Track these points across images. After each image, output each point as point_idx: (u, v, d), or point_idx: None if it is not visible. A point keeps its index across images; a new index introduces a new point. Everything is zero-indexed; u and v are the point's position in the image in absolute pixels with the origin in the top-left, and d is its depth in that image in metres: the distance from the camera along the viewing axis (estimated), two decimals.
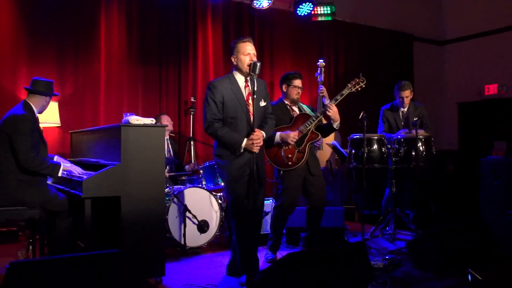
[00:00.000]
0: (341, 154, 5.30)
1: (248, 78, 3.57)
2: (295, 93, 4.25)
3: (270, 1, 6.23)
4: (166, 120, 5.44)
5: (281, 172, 4.09)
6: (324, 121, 4.28)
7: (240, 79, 3.59)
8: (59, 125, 5.10)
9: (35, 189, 3.59)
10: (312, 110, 4.38)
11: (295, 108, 4.30)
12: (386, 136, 4.94)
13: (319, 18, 6.73)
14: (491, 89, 8.51)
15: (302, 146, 4.06)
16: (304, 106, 4.40)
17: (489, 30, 8.42)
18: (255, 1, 6.20)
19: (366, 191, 4.59)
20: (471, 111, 8.81)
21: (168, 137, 5.47)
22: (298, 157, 4.06)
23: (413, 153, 4.70)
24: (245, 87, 3.58)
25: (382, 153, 4.77)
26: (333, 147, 5.51)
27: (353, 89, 4.13)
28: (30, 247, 4.13)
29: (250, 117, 3.50)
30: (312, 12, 6.59)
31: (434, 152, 4.84)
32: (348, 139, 5.00)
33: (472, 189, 6.41)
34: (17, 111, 3.59)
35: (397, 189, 4.75)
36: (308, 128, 4.06)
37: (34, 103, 3.69)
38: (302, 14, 6.56)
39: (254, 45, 6.89)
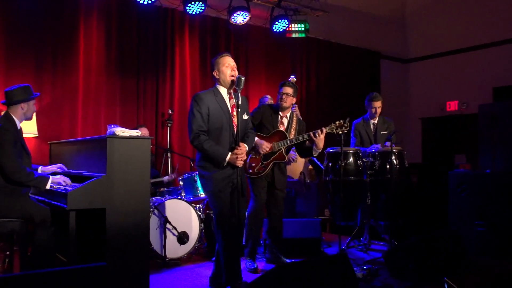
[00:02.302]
0: (317, 167, 5.45)
1: (231, 91, 3.66)
2: (281, 99, 4.39)
3: (246, 18, 6.38)
4: (145, 132, 5.44)
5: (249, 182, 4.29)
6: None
7: (223, 92, 3.66)
8: (37, 135, 5.02)
9: (16, 199, 3.53)
10: (303, 127, 4.51)
11: (285, 120, 4.44)
12: (361, 150, 5.13)
13: (294, 35, 6.95)
14: (452, 106, 8.94)
15: (267, 161, 4.21)
16: (295, 119, 4.50)
17: (450, 50, 8.88)
18: (232, 17, 6.34)
19: (342, 203, 4.75)
20: (434, 126, 9.21)
21: None
22: (259, 170, 4.25)
23: (387, 166, 4.89)
24: (229, 99, 3.66)
25: (357, 166, 4.95)
26: (310, 160, 5.66)
27: (334, 131, 4.21)
28: (7, 260, 4.04)
29: (234, 129, 3.58)
30: (287, 29, 6.79)
31: (407, 165, 5.06)
32: (325, 152, 5.15)
33: (437, 200, 6.71)
34: None
35: (371, 200, 4.93)
36: (279, 148, 4.22)
37: (13, 113, 3.66)
38: (278, 31, 6.76)
39: None
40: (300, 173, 5.98)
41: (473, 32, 8.49)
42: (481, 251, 4.73)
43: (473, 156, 7.35)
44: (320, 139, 4.11)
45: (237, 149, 3.50)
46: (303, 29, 6.93)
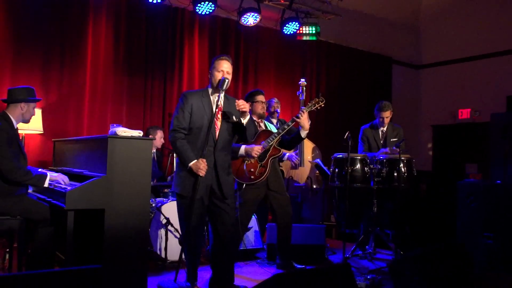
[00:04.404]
0: (324, 172, 5.37)
1: (221, 95, 3.63)
2: (259, 108, 4.50)
3: (256, 19, 6.32)
4: (160, 134, 5.41)
5: (244, 186, 4.26)
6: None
7: (212, 94, 3.66)
8: (42, 132, 5.00)
9: (14, 198, 3.50)
10: (282, 124, 4.56)
11: (262, 124, 4.53)
12: (368, 155, 5.03)
13: (304, 38, 6.89)
14: (465, 114, 8.80)
15: (265, 161, 4.25)
16: (269, 124, 4.66)
17: (464, 57, 8.74)
18: (242, 18, 6.28)
19: (347, 209, 4.66)
20: (445, 134, 9.06)
21: (155, 150, 5.42)
22: (260, 171, 4.24)
23: (395, 174, 4.79)
24: (216, 102, 3.63)
25: (364, 173, 4.85)
26: (316, 165, 5.57)
27: (313, 108, 4.27)
28: (7, 257, 4.03)
29: (216, 131, 3.57)
30: (298, 31, 6.72)
31: (415, 174, 4.95)
32: (331, 158, 5.06)
33: (446, 210, 6.57)
34: None
35: (378, 208, 4.82)
36: (270, 144, 4.26)
37: (12, 112, 3.62)
38: (288, 33, 6.69)
39: (239, 61, 7.00)
40: (307, 178, 5.91)
41: (488, 39, 8.34)
42: (489, 264, 4.60)
43: (485, 166, 7.20)
44: (304, 118, 4.13)
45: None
46: (314, 32, 6.86)
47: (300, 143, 4.86)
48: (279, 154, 4.36)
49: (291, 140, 4.42)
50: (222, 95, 3.56)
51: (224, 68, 3.60)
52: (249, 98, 4.52)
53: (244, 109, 3.56)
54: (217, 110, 3.58)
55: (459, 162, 8.41)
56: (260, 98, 4.51)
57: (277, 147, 4.33)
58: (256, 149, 4.12)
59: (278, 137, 4.27)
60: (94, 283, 2.54)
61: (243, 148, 4.17)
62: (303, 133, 4.21)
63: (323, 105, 4.30)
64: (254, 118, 4.46)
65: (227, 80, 3.53)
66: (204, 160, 3.44)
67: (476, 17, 8.52)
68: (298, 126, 4.22)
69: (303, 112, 4.13)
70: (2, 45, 5.08)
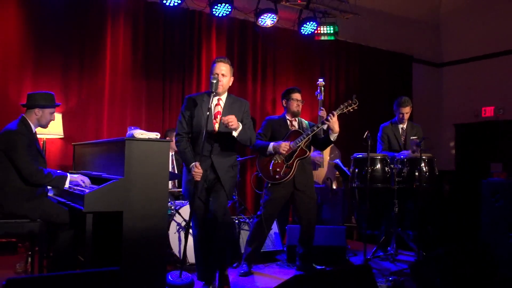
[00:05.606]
0: (344, 173, 5.31)
1: (221, 97, 3.67)
2: (294, 106, 4.42)
3: (274, 20, 6.30)
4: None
5: (269, 184, 4.25)
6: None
7: (210, 97, 3.64)
8: (62, 136, 5.07)
9: (34, 201, 3.54)
10: (312, 126, 4.47)
11: (295, 123, 4.46)
12: (389, 155, 4.94)
13: (322, 38, 6.84)
14: (488, 111, 8.62)
15: (291, 161, 4.21)
16: (305, 122, 4.56)
17: (486, 54, 8.56)
18: (259, 19, 6.27)
19: (368, 210, 4.59)
20: (468, 133, 8.88)
21: (173, 153, 5.43)
22: (285, 172, 4.21)
23: (416, 174, 4.69)
24: (216, 105, 3.65)
25: (385, 173, 4.77)
26: (336, 166, 5.51)
27: (345, 110, 4.21)
28: (29, 260, 4.08)
29: (214, 134, 3.59)
30: (316, 31, 6.68)
31: (437, 173, 4.84)
32: (351, 158, 5.00)
33: (470, 210, 6.43)
34: (12, 126, 3.56)
35: (399, 209, 4.73)
36: (298, 145, 4.20)
37: (29, 117, 3.67)
38: (306, 33, 6.65)
39: (257, 62, 6.95)
40: (327, 179, 5.84)
41: (510, 34, 8.14)
42: None
43: (510, 164, 7.03)
44: (334, 121, 4.08)
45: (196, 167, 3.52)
46: (332, 31, 6.81)
47: (329, 146, 4.76)
48: (306, 155, 4.29)
49: (320, 142, 4.40)
50: (212, 96, 3.56)
51: (219, 71, 3.63)
52: (285, 95, 4.47)
53: (231, 126, 3.50)
54: (215, 113, 3.61)
55: (483, 161, 8.22)
56: (296, 96, 4.42)
57: (304, 149, 4.26)
58: (284, 146, 4.11)
59: (306, 139, 4.22)
60: (112, 285, 2.55)
61: (271, 145, 4.19)
62: (333, 136, 4.17)
63: (356, 108, 4.22)
64: (288, 117, 4.45)
65: (215, 81, 3.54)
66: (198, 165, 3.49)
67: (497, 12, 8.33)
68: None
69: (332, 114, 4.07)
70: (24, 51, 5.18)
